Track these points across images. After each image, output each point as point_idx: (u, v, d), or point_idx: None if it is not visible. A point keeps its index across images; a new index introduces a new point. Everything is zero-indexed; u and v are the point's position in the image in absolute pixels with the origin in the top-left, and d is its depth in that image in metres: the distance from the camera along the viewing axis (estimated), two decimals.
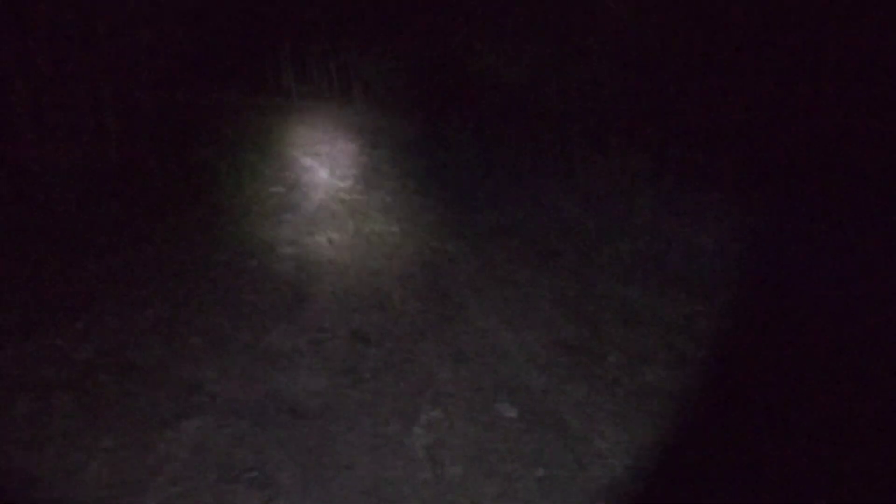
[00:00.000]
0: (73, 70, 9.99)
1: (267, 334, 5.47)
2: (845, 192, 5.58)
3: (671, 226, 6.06)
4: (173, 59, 12.71)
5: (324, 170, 11.61)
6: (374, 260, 6.72)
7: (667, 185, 6.62)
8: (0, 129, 8.73)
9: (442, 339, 5.26)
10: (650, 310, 5.75)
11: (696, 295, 5.85)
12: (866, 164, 5.75)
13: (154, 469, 3.77)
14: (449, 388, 4.70)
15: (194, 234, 7.57)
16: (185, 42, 13.41)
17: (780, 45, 7.06)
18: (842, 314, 5.09)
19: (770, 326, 5.06)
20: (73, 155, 9.85)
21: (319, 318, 5.68)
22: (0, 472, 3.59)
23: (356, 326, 5.52)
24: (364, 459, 3.96)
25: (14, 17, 9.06)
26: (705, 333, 5.23)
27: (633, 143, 8.20)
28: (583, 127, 9.10)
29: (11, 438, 3.85)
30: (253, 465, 3.86)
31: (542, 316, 5.53)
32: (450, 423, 4.46)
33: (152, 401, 4.41)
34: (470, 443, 4.24)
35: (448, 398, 4.65)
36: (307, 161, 12.25)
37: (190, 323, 5.62)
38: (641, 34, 9.02)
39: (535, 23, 9.95)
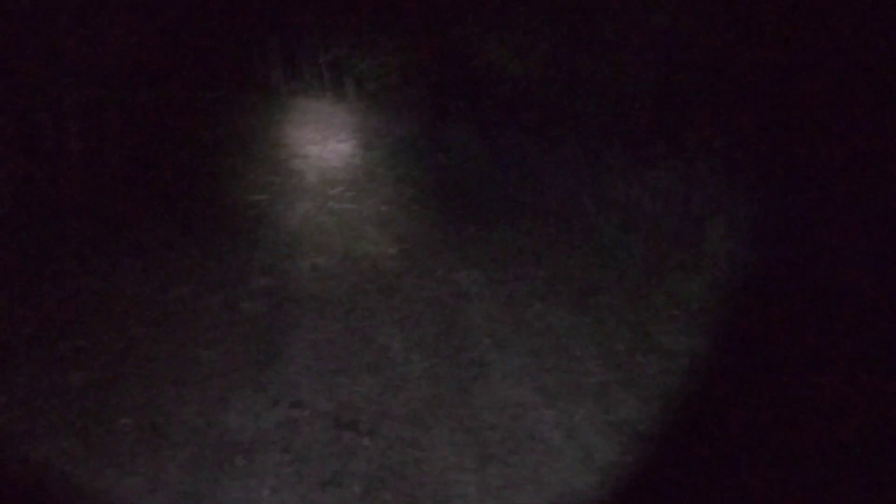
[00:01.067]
0: (29, 68, 8.22)
1: (223, 412, 3.78)
2: None
3: (745, 250, 4.41)
4: (149, 53, 10.90)
5: (312, 174, 9.87)
6: (367, 296, 5.03)
7: (722, 196, 4.92)
8: None
9: (459, 423, 3.59)
10: None
11: None
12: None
13: None
14: None
15: (152, 258, 5.85)
16: (162, 35, 11.59)
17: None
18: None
19: None
20: (26, 167, 8.10)
21: (294, 385, 4.00)
22: None
23: (342, 399, 3.84)
24: None
25: None
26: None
27: (663, 143, 6.49)
28: (604, 126, 7.37)
29: None
30: None
31: (591, 382, 3.87)
32: None
33: None
34: None
35: None
36: (295, 164, 10.50)
37: (122, 395, 3.93)
38: (666, 21, 7.25)
39: (547, 9, 8.17)
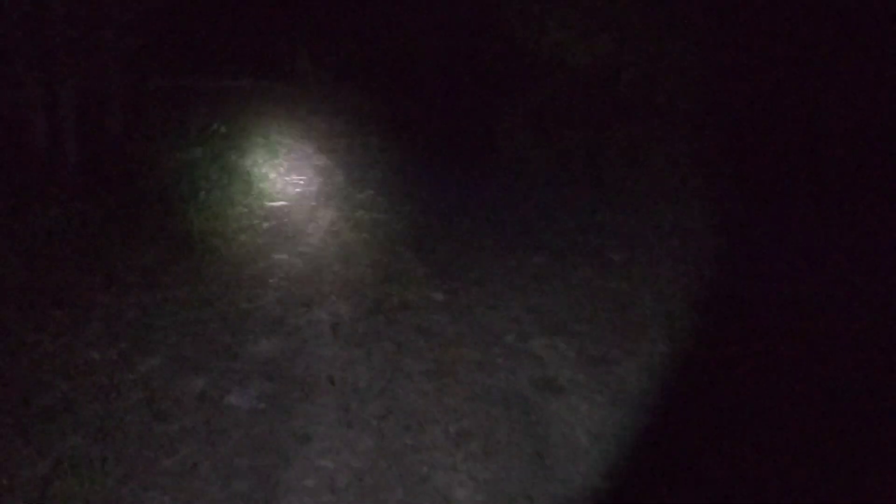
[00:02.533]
0: (31, 52, 6.31)
1: None
2: None
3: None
4: (166, 37, 8.93)
5: (339, 173, 7.92)
6: (410, 382, 3.15)
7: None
8: None
9: None
10: None
11: None
12: None
13: None
14: None
15: (127, 305, 3.96)
16: (180, 18, 9.60)
17: None
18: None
19: None
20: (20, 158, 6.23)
21: None
22: None
23: None
24: None
25: None
26: None
27: (755, 152, 4.60)
28: (692, 131, 5.40)
29: None
30: None
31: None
32: None
33: None
34: None
35: None
36: (320, 160, 8.54)
37: None
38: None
39: None
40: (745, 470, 2.40)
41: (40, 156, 6.41)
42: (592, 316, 3.65)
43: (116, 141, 6.88)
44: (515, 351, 3.33)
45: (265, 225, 5.76)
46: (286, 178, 7.56)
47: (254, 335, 3.54)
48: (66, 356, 3.27)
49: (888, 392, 2.79)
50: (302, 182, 7.46)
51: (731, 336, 3.38)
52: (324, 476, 2.50)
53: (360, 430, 2.78)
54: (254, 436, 2.75)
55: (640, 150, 5.71)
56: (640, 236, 4.69)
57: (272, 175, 7.69)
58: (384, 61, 10.02)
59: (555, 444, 2.64)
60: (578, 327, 3.54)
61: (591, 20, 5.97)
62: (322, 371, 3.21)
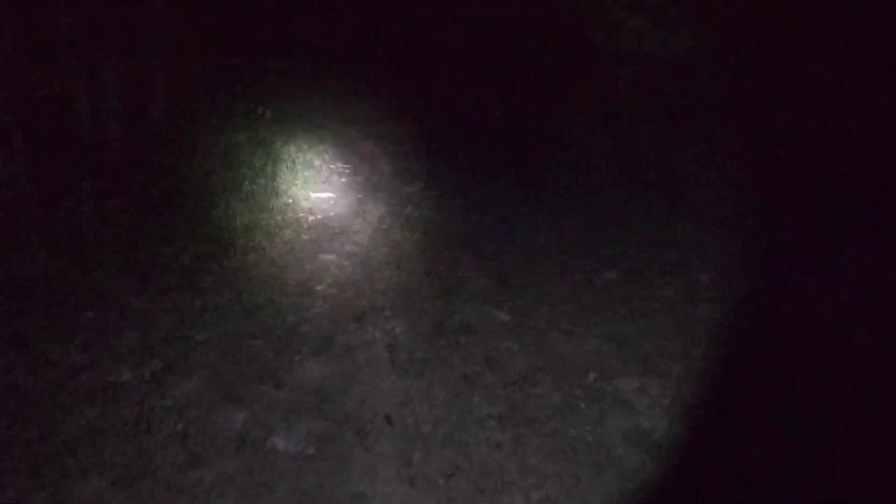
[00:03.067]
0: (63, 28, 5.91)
1: None
2: None
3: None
4: (208, 15, 8.49)
5: (387, 161, 7.41)
6: (481, 429, 2.59)
7: None
8: None
9: None
10: None
11: None
12: None
13: None
14: None
15: (163, 310, 3.53)
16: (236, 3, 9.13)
17: None
18: None
19: None
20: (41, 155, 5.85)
21: None
22: None
23: None
24: None
25: None
26: None
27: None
28: (774, 136, 4.81)
29: None
30: None
31: None
32: None
33: None
34: None
35: None
36: (367, 147, 8.03)
37: None
38: None
39: None
40: None
41: (81, 140, 6.02)
42: (684, 352, 3.10)
43: (159, 125, 6.45)
44: (600, 393, 2.81)
45: (310, 219, 5.29)
46: (331, 166, 7.09)
47: (301, 356, 3.08)
48: (93, 374, 2.84)
49: None
50: (347, 171, 6.98)
51: (855, 384, 2.81)
52: None
53: (425, 489, 2.30)
54: (301, 490, 2.29)
55: (719, 155, 5.09)
56: (727, 254, 4.10)
57: (317, 162, 7.22)
58: (439, 47, 9.43)
59: None
60: (669, 365, 3.00)
61: (669, 10, 5.32)
62: (379, 406, 2.73)
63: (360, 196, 6.03)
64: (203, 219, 4.79)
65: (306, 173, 6.58)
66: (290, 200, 5.72)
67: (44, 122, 5.76)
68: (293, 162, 6.73)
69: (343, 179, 6.62)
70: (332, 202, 5.82)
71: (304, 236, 4.83)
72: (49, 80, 5.88)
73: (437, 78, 9.21)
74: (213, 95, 7.52)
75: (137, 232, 4.15)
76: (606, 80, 5.58)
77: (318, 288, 3.76)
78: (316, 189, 6.13)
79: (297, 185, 6.14)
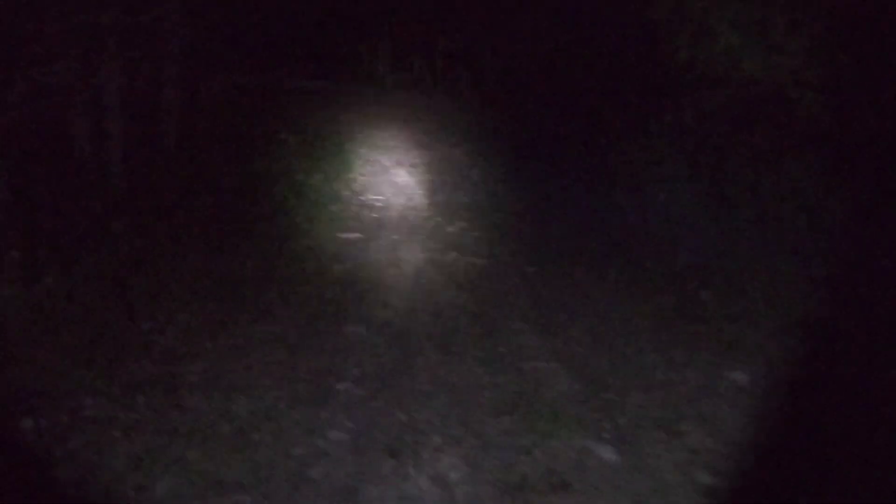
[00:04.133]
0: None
1: None
2: None
3: None
4: (229, 29, 7.51)
5: (422, 194, 6.33)
6: None
7: None
8: None
9: None
10: None
11: None
12: None
13: None
14: None
15: (149, 417, 2.44)
16: (258, 14, 8.16)
17: None
18: None
19: None
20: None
21: None
22: None
23: None
24: None
25: None
26: None
27: None
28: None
29: None
30: None
31: None
32: None
33: None
34: None
35: None
36: (401, 177, 6.95)
37: None
38: None
39: None
40: None
41: (82, 169, 5.04)
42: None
43: (170, 151, 5.44)
44: None
45: (335, 269, 4.20)
46: (361, 199, 6.01)
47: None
48: None
49: None
50: (379, 204, 5.89)
51: None
52: None
53: None
54: None
55: (814, 195, 3.91)
56: (835, 299, 2.95)
57: (345, 193, 6.15)
58: (472, 71, 8.32)
59: None
60: None
61: (772, 26, 4.16)
62: None
63: (393, 237, 4.93)
64: (203, 273, 3.73)
65: (333, 207, 5.52)
66: (313, 244, 4.64)
67: (34, 146, 4.77)
68: (318, 194, 5.67)
69: (374, 215, 5.54)
70: (361, 246, 4.73)
71: (327, 294, 3.73)
72: (45, 93, 4.91)
73: (490, 101, 8.10)
74: (233, 117, 6.52)
75: (112, 301, 3.08)
76: (693, 106, 4.42)
77: (340, 387, 2.64)
78: (343, 228, 5.05)
79: (322, 222, 5.06)
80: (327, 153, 7.32)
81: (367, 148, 8.22)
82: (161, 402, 2.40)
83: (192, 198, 4.84)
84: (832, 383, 2.56)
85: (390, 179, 6.95)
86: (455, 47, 9.27)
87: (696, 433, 2.35)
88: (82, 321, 2.82)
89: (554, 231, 4.94)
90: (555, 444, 2.25)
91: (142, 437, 2.20)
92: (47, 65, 4.72)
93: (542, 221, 5.25)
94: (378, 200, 5.98)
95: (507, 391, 2.63)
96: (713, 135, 4.30)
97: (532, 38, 6.98)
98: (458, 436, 2.32)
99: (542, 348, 3.02)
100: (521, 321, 3.37)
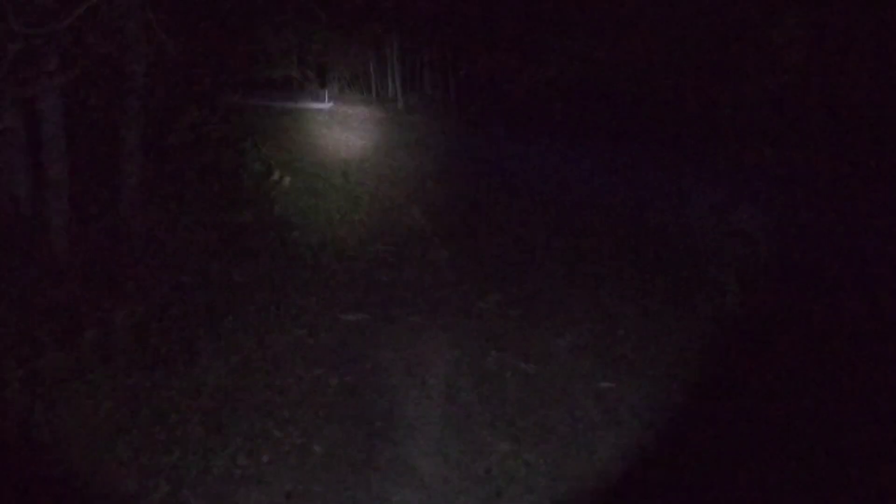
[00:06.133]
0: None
1: None
2: None
3: None
4: (227, 46, 6.05)
5: (441, 241, 4.93)
6: None
7: None
8: None
9: None
10: None
11: None
12: None
13: None
14: None
15: None
16: (250, 24, 6.70)
17: None
18: None
19: None
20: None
21: None
22: None
23: None
24: None
25: None
26: None
27: None
28: None
29: None
30: None
31: None
32: None
33: None
34: None
35: None
36: (413, 216, 5.53)
37: None
38: None
39: None
40: None
41: (18, 226, 3.63)
42: None
43: (131, 201, 3.96)
44: None
45: (331, 385, 2.78)
46: (369, 251, 4.59)
47: None
48: None
49: None
50: (391, 259, 4.48)
51: None
52: None
53: None
54: None
55: None
56: None
57: (350, 242, 4.74)
58: (489, 96, 6.91)
59: None
60: None
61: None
62: None
63: (411, 319, 3.50)
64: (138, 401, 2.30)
65: (333, 271, 4.08)
66: (305, 332, 3.22)
67: None
68: (316, 254, 4.22)
69: (384, 278, 4.11)
70: (368, 334, 3.30)
71: (317, 448, 2.31)
72: None
73: (512, 125, 6.67)
74: (216, 150, 5.06)
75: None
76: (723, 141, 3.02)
77: None
78: (345, 305, 3.61)
79: (318, 299, 3.63)
80: (328, 190, 5.89)
81: (375, 180, 6.78)
82: None
83: (163, 277, 3.39)
84: None
85: (402, 221, 5.53)
86: (473, 68, 7.83)
87: None
88: None
89: (623, 309, 3.51)
90: None
91: None
92: None
93: (600, 288, 3.82)
94: (389, 253, 4.56)
95: None
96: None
97: (559, 58, 5.54)
98: None
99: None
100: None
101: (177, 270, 3.31)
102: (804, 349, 2.98)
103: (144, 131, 4.11)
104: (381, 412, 2.59)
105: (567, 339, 3.24)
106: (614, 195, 5.08)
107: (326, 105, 9.04)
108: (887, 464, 2.17)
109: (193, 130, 4.71)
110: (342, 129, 8.52)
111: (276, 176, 4.93)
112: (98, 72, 3.72)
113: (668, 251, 4.19)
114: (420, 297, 3.81)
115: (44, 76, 3.48)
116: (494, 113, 7.72)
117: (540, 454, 2.30)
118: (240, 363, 2.78)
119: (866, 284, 3.47)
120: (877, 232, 3.79)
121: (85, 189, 3.84)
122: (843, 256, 3.73)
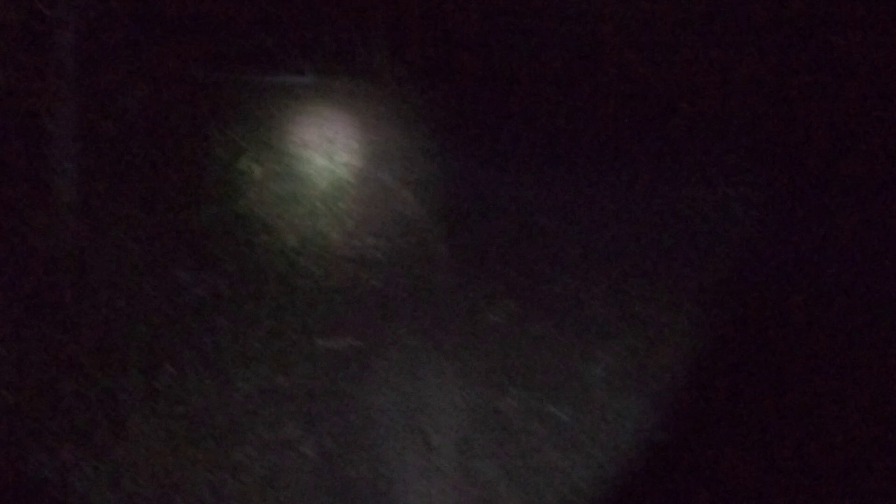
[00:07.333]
0: None
1: None
2: None
3: None
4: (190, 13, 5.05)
5: (438, 233, 4.11)
6: None
7: None
8: None
9: None
10: None
11: None
12: None
13: None
14: None
15: None
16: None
17: None
18: None
19: None
20: None
21: None
22: None
23: None
24: None
25: None
26: None
27: None
28: None
29: None
30: None
31: None
32: None
33: None
34: None
35: None
36: (406, 201, 4.71)
37: None
38: None
39: None
40: None
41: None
42: None
43: (58, 222, 3.06)
44: None
45: (308, 453, 2.01)
46: (353, 250, 3.77)
47: None
48: None
49: None
50: (381, 258, 3.66)
51: None
52: None
53: None
54: None
55: None
56: None
57: (332, 237, 3.91)
58: (491, 63, 6.00)
59: None
60: None
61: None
62: None
63: (407, 342, 2.71)
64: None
65: (312, 291, 3.26)
66: (274, 370, 2.43)
67: None
68: (289, 262, 3.40)
69: (373, 282, 3.30)
70: (354, 368, 2.51)
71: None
72: None
73: (508, 97, 5.74)
74: (168, 132, 4.12)
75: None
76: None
77: None
78: (326, 326, 2.81)
79: (292, 319, 2.84)
80: (308, 175, 5.01)
81: (363, 160, 5.87)
82: None
83: (83, 290, 2.58)
84: None
85: (393, 208, 4.69)
86: (467, 34, 6.81)
87: None
88: None
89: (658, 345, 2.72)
90: None
91: None
92: None
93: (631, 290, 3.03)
94: (378, 252, 3.74)
95: None
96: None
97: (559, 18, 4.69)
98: None
99: None
100: None
101: (107, 296, 2.50)
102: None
103: (76, 116, 3.21)
104: (372, 497, 1.83)
105: (602, 367, 2.47)
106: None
107: (308, 79, 7.86)
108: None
109: (143, 113, 3.81)
110: (325, 104, 7.44)
111: (243, 165, 4.06)
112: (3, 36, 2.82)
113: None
114: (417, 309, 3.02)
115: None
116: (490, 82, 6.71)
117: None
118: (182, 430, 2.01)
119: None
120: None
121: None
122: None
